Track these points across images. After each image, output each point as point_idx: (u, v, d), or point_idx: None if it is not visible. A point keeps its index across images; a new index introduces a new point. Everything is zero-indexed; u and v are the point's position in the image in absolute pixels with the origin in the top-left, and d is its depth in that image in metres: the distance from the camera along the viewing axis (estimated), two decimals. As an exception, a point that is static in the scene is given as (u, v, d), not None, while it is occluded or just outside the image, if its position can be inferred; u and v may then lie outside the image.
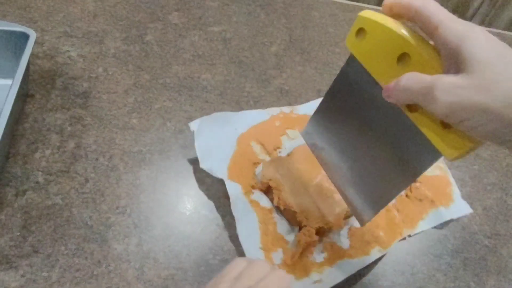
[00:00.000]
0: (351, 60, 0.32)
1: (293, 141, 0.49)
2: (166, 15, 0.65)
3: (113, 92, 0.52)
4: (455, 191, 0.50)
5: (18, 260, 0.35)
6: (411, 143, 0.29)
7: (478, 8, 1.31)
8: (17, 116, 0.45)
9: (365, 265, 0.40)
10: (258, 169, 0.46)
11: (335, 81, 0.36)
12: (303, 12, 0.75)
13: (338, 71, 0.35)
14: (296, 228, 0.42)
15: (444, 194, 0.49)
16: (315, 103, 0.44)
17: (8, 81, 0.48)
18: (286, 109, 0.54)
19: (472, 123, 0.24)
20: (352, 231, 0.42)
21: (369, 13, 0.29)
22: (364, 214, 0.36)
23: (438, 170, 0.51)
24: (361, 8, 0.82)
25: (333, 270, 0.39)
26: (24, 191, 0.40)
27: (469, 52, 0.23)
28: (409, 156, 0.30)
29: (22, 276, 0.35)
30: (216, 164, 0.44)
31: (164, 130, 0.49)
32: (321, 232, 0.41)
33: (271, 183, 0.42)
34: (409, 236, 0.45)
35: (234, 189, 0.42)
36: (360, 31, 0.30)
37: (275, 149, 0.49)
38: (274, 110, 0.53)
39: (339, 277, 0.38)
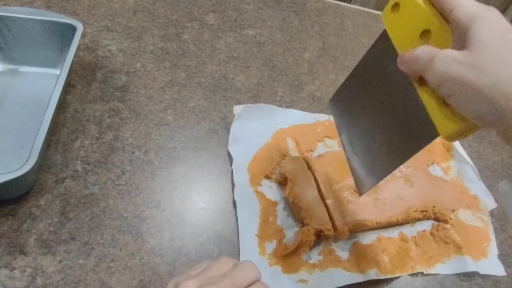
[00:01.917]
0: (383, 36, 0.35)
1: (328, 149, 0.49)
2: (202, 15, 0.66)
3: (150, 87, 0.52)
4: (492, 249, 0.46)
5: (56, 245, 0.36)
6: (415, 118, 0.31)
7: None
8: (59, 105, 0.46)
9: (356, 282, 0.39)
10: (283, 163, 0.46)
11: (364, 56, 0.38)
12: (336, 20, 0.76)
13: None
14: (298, 226, 0.42)
15: (477, 247, 0.45)
16: None
17: (52, 70, 0.49)
18: None
19: (460, 98, 0.25)
20: (356, 246, 0.42)
21: None
22: (364, 184, 0.37)
23: (479, 221, 0.48)
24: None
25: (323, 275, 0.38)
26: (63, 179, 0.41)
27: (474, 32, 0.24)
28: (411, 131, 0.32)
29: (60, 262, 0.35)
30: (243, 149, 0.46)
31: (199, 129, 0.50)
32: (321, 236, 0.41)
33: (288, 175, 0.43)
34: (422, 273, 0.42)
35: (241, 178, 0.44)
36: (395, 6, 0.32)
37: (308, 151, 0.49)
38: (322, 117, 0.54)
39: (327, 284, 0.38)
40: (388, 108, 0.34)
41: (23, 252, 0.35)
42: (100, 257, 0.36)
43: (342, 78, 0.66)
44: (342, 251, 0.41)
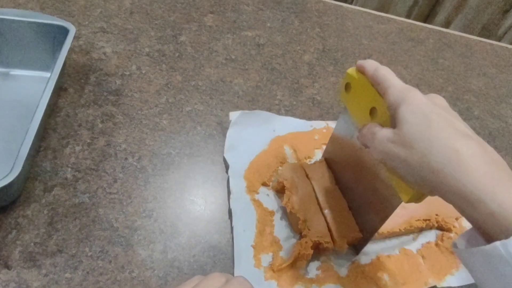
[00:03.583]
0: (345, 109, 0.38)
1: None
2: (201, 16, 0.65)
3: (145, 91, 0.51)
4: None
5: (42, 258, 0.34)
6: (383, 184, 0.34)
7: (510, 28, 1.28)
8: (50, 109, 0.45)
9: None
10: (281, 170, 0.45)
11: (336, 125, 0.42)
12: (337, 21, 0.74)
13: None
14: (296, 237, 0.41)
15: None
16: None
17: (44, 74, 0.48)
18: (332, 124, 0.53)
19: (400, 173, 0.28)
20: (355, 264, 0.40)
21: (353, 71, 0.34)
22: (369, 228, 0.39)
23: None
24: (395, 21, 0.80)
25: None
26: (52, 187, 0.39)
27: (402, 114, 0.28)
28: (382, 195, 0.35)
29: (45, 275, 0.34)
30: (239, 156, 0.45)
31: (194, 134, 0.48)
32: (320, 249, 0.39)
33: (285, 183, 0.42)
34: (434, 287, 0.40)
35: (237, 185, 0.43)
36: (347, 86, 0.35)
37: (305, 158, 0.47)
38: (319, 124, 0.52)
39: None
40: (362, 174, 0.38)
41: (6, 266, 0.33)
42: (88, 270, 0.35)
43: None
44: (341, 268, 0.39)
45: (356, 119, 0.35)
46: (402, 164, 0.27)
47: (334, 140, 0.43)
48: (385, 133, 0.29)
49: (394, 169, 0.28)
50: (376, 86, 0.31)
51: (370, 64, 0.32)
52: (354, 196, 0.41)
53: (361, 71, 0.33)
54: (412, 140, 0.26)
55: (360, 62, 0.33)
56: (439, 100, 0.29)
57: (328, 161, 0.45)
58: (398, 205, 0.33)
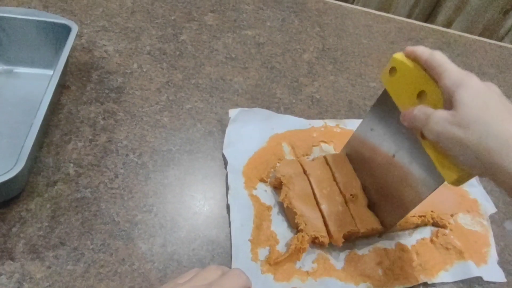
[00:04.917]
0: (384, 94, 0.39)
1: (324, 153, 0.48)
2: (201, 15, 0.66)
3: (146, 89, 0.52)
4: (492, 255, 0.45)
5: (45, 251, 0.35)
6: (422, 166, 0.35)
7: (511, 28, 1.28)
8: (53, 106, 0.45)
9: None
10: (279, 166, 0.46)
11: (369, 111, 0.43)
12: (337, 21, 0.74)
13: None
14: (293, 232, 0.41)
15: (477, 253, 0.44)
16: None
17: (47, 71, 0.49)
18: (331, 122, 0.54)
19: (454, 153, 0.29)
20: (351, 256, 0.41)
21: (400, 56, 0.35)
22: (388, 222, 0.41)
23: (479, 226, 0.47)
24: (394, 20, 0.80)
25: (316, 284, 0.38)
26: (55, 182, 0.40)
27: (460, 96, 0.29)
28: (420, 177, 0.36)
29: (48, 267, 0.35)
30: (238, 153, 0.46)
31: (194, 131, 0.49)
32: (316, 243, 0.40)
33: (283, 179, 0.43)
34: (426, 284, 0.41)
35: (236, 181, 0.43)
36: (392, 70, 0.36)
37: (303, 155, 0.48)
38: (317, 123, 0.53)
39: None
40: (397, 157, 0.39)
41: (11, 257, 0.34)
42: (90, 263, 0.36)
43: (341, 80, 0.65)
44: (337, 261, 0.40)
45: (399, 102, 0.36)
46: (457, 144, 0.28)
47: (361, 132, 0.44)
48: (442, 114, 0.30)
49: (448, 149, 0.30)
50: (430, 70, 0.32)
51: (422, 50, 0.33)
52: (380, 185, 0.42)
53: (410, 56, 0.34)
54: (470, 121, 0.28)
55: (410, 48, 0.34)
56: (493, 87, 0.31)
57: (350, 155, 0.46)
58: (435, 188, 0.34)
